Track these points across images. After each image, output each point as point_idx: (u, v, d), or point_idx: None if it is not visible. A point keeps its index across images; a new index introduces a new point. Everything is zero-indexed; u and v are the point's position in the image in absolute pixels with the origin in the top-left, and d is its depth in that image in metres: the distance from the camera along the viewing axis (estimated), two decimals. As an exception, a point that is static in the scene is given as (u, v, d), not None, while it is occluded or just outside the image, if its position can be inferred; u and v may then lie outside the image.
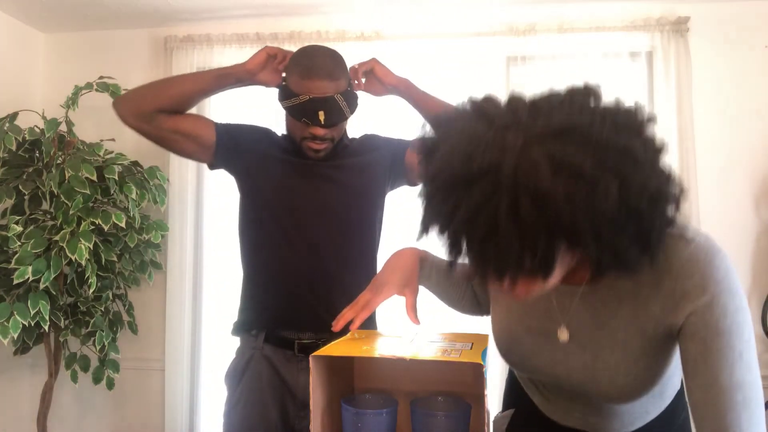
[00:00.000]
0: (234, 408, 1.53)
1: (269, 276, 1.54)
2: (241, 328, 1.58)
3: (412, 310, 1.05)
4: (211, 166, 1.64)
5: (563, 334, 0.93)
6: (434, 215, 0.74)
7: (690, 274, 0.86)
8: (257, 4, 2.60)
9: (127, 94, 1.57)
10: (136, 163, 2.47)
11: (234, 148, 1.58)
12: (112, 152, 2.43)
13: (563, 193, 0.65)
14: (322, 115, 1.43)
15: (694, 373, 0.81)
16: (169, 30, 2.77)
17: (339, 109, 1.45)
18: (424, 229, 0.76)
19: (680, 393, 1.07)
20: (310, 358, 0.86)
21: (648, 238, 0.75)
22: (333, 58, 1.50)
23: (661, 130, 2.47)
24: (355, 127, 1.85)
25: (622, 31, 2.51)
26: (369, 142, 1.66)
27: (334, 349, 0.91)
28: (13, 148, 2.26)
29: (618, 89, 2.57)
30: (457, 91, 2.48)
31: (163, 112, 1.51)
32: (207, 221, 2.77)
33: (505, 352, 1.01)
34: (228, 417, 1.54)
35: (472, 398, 0.99)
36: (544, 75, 2.56)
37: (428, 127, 0.84)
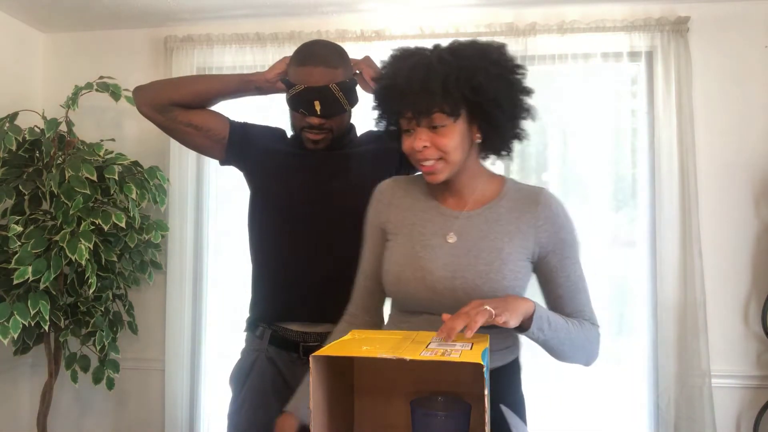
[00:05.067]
0: (238, 410, 1.53)
1: (275, 270, 1.54)
2: (250, 326, 1.59)
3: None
4: (222, 162, 1.66)
5: (451, 238, 1.19)
6: (385, 80, 1.15)
7: (548, 204, 1.21)
8: (257, 4, 2.60)
9: (148, 84, 1.62)
10: (136, 163, 2.47)
11: (245, 145, 1.59)
12: (112, 152, 2.43)
13: (467, 55, 1.12)
14: (317, 105, 1.44)
15: (556, 275, 1.21)
16: (169, 30, 2.76)
17: (335, 99, 1.45)
18: (378, 102, 1.19)
19: (516, 369, 1.27)
20: (311, 358, 0.86)
21: (516, 130, 1.19)
22: (331, 48, 1.51)
23: (661, 130, 2.47)
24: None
25: (622, 31, 2.51)
26: (368, 135, 1.67)
27: (335, 349, 0.91)
28: (13, 148, 2.26)
29: (618, 89, 2.59)
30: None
31: (179, 105, 1.54)
32: (207, 221, 2.77)
33: (397, 278, 1.20)
34: (232, 419, 1.54)
35: (472, 398, 0.99)
36: (544, 75, 2.56)
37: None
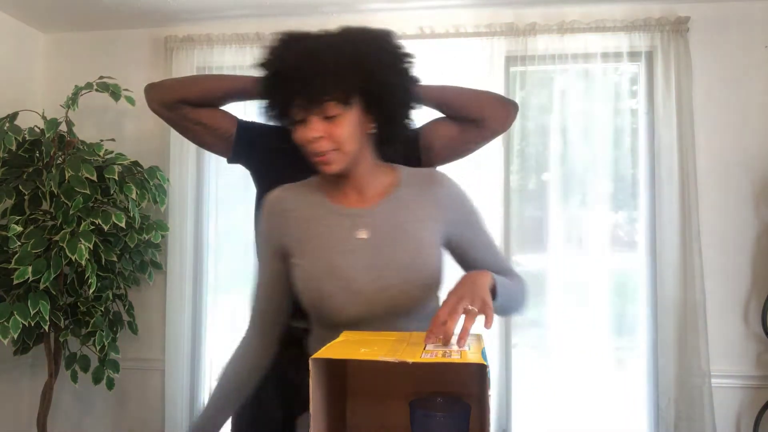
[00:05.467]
0: (242, 409, 1.53)
1: None
2: None
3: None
4: (229, 160, 1.67)
5: (362, 234, 1.15)
6: (273, 67, 1.11)
7: (445, 183, 1.22)
8: (257, 4, 2.60)
9: (159, 82, 1.64)
10: (136, 163, 2.47)
11: (251, 144, 1.60)
12: (112, 152, 2.43)
13: (358, 41, 1.11)
14: None
15: (472, 247, 1.21)
16: (169, 30, 2.76)
17: None
18: (266, 90, 1.14)
19: None
20: (310, 361, 0.86)
21: (406, 119, 1.19)
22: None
23: (661, 130, 2.47)
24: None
25: (622, 31, 2.51)
26: None
27: (333, 351, 0.90)
28: (13, 148, 2.26)
29: (618, 89, 2.59)
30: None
31: (189, 103, 1.56)
32: (207, 221, 2.77)
33: (319, 294, 1.14)
34: (235, 418, 1.54)
35: (472, 399, 0.99)
36: (544, 75, 2.56)
37: None
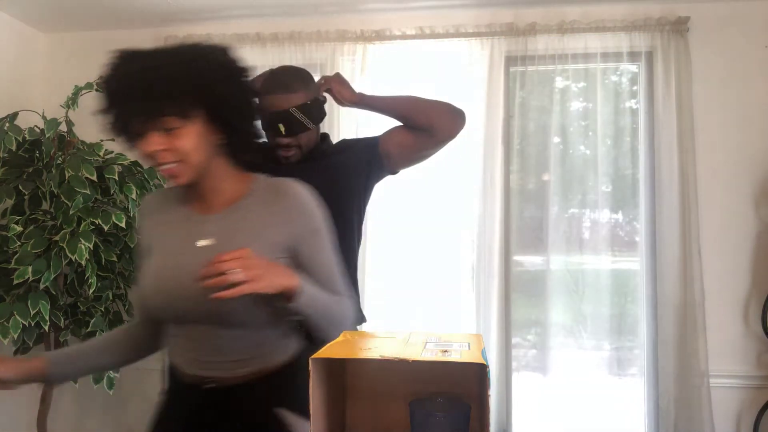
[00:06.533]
0: None
1: None
2: None
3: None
4: None
5: (202, 243, 1.17)
6: (111, 86, 1.15)
7: (297, 196, 1.22)
8: (257, 4, 2.60)
9: None
10: (136, 163, 2.47)
11: None
12: (112, 152, 2.43)
13: (193, 58, 1.13)
14: (282, 127, 1.59)
15: (312, 263, 1.20)
16: (169, 30, 2.76)
17: (297, 121, 1.59)
18: (107, 107, 1.19)
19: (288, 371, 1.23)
20: (310, 361, 0.86)
21: (253, 130, 1.23)
22: (292, 73, 1.66)
23: (661, 130, 2.47)
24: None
25: (622, 31, 2.51)
26: (340, 144, 1.81)
27: (334, 351, 0.91)
28: (13, 148, 2.26)
29: (618, 89, 2.59)
30: (457, 91, 2.48)
31: None
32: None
33: (155, 292, 1.17)
34: None
35: (472, 399, 0.99)
36: (544, 75, 2.56)
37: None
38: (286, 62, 2.67)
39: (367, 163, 1.72)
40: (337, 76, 1.79)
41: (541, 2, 2.55)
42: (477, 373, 0.95)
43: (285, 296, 1.08)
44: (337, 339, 0.99)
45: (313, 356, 0.86)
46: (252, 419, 1.17)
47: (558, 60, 2.53)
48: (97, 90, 2.38)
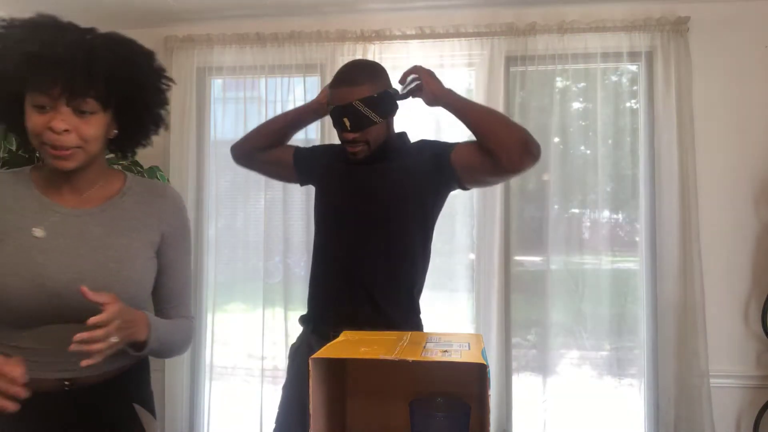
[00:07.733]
0: (285, 387, 1.68)
1: (316, 275, 1.67)
2: (300, 321, 1.71)
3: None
4: (301, 183, 1.84)
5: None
6: (32, 46, 1.02)
7: (174, 199, 1.26)
8: (257, 4, 2.60)
9: (237, 142, 1.82)
10: (136, 163, 2.46)
11: (308, 165, 1.76)
12: (111, 155, 2.42)
13: (130, 51, 1.14)
14: (347, 122, 1.53)
15: (172, 268, 1.22)
16: (169, 30, 2.76)
17: (362, 114, 1.52)
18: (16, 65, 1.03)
19: None
20: (310, 361, 0.86)
21: (150, 133, 1.24)
22: (360, 66, 1.62)
23: (661, 130, 2.47)
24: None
25: (622, 31, 2.51)
26: (416, 146, 1.67)
27: (333, 351, 0.91)
28: (13, 148, 2.26)
29: (618, 89, 2.59)
30: (457, 91, 2.47)
31: (260, 149, 1.77)
32: (207, 221, 2.76)
33: (4, 289, 1.05)
34: (282, 392, 1.68)
35: (472, 399, 0.99)
36: (544, 75, 2.56)
37: None
38: (286, 62, 2.68)
39: (439, 171, 1.58)
40: (431, 71, 1.63)
41: (541, 2, 2.55)
42: (477, 373, 0.95)
43: (133, 346, 1.09)
44: (337, 339, 1.00)
45: (313, 356, 0.86)
46: (110, 417, 1.16)
47: (558, 60, 2.53)
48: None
